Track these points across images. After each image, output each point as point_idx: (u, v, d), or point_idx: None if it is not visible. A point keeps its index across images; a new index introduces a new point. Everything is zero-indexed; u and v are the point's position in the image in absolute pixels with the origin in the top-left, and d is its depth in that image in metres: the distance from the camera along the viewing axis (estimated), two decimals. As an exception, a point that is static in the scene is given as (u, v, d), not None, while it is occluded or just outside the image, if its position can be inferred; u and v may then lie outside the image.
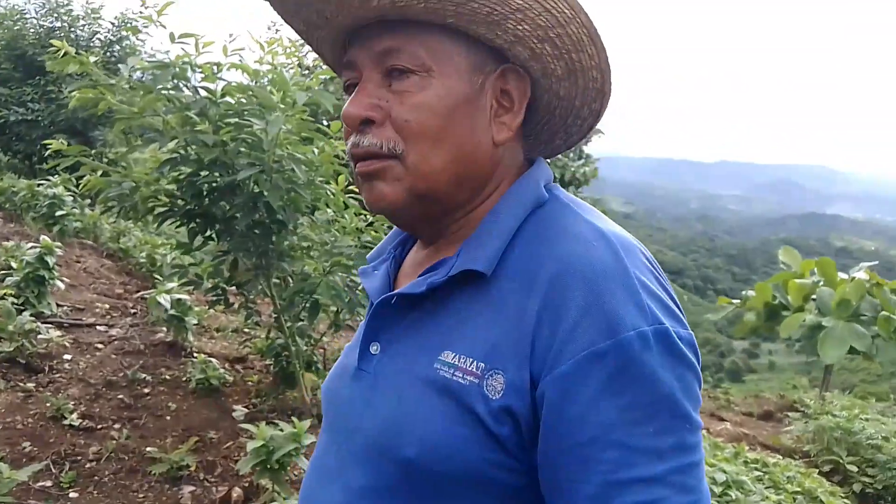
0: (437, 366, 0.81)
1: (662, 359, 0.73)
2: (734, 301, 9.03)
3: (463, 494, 0.78)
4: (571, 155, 12.87)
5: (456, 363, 0.80)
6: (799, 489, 4.02)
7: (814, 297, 7.76)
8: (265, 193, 3.16)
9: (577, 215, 0.86)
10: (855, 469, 4.93)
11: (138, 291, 6.38)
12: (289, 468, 2.99)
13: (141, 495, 3.06)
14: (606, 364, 0.71)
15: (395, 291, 0.89)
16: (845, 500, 4.17)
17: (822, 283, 7.96)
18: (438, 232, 0.93)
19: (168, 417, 3.81)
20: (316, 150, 3.47)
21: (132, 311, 5.67)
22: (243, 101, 3.27)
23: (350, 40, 0.88)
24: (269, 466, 2.91)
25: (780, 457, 4.84)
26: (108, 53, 11.78)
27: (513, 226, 0.86)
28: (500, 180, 0.91)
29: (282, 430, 2.98)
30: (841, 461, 5.12)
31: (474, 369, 0.78)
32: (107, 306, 5.54)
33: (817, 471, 4.61)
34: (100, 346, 4.61)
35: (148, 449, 3.38)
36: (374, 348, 0.90)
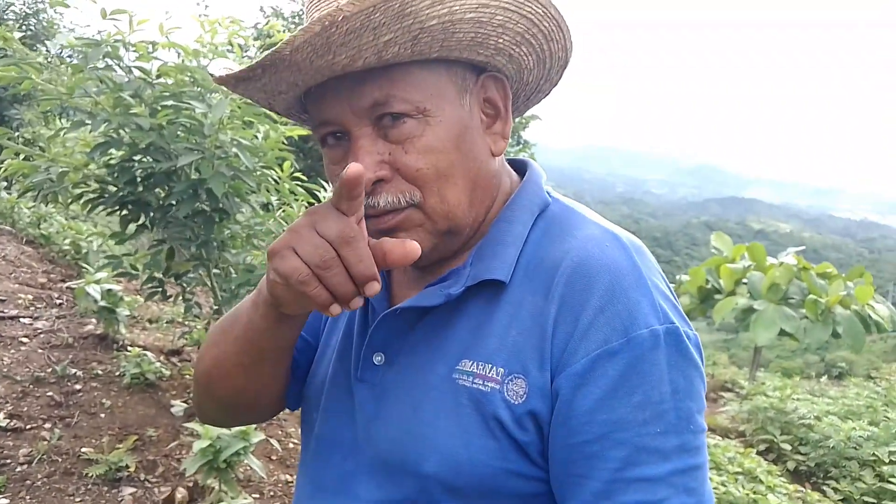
0: (455, 376, 0.80)
1: (672, 358, 0.74)
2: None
3: None
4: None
5: (475, 371, 0.79)
6: (739, 469, 4.14)
7: (745, 280, 8.04)
8: (207, 180, 3.01)
9: (584, 217, 0.87)
10: (788, 448, 5.11)
11: (63, 281, 6.07)
12: (237, 467, 2.87)
13: (78, 499, 2.89)
14: (618, 362, 0.72)
15: (408, 305, 0.85)
16: (781, 479, 4.31)
17: (752, 267, 8.23)
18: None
19: (102, 415, 3.62)
20: (259, 135, 3.32)
21: (58, 301, 5.37)
22: (183, 81, 3.09)
23: (316, 93, 0.82)
24: (216, 466, 2.79)
25: (719, 437, 4.98)
26: (24, 27, 11.13)
27: (524, 232, 0.85)
28: (500, 188, 0.91)
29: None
30: (775, 440, 5.31)
31: (494, 375, 0.78)
32: (30, 297, 5.23)
33: (754, 450, 4.75)
34: (25, 339, 4.34)
35: (83, 449, 3.21)
36: (379, 359, 0.88)
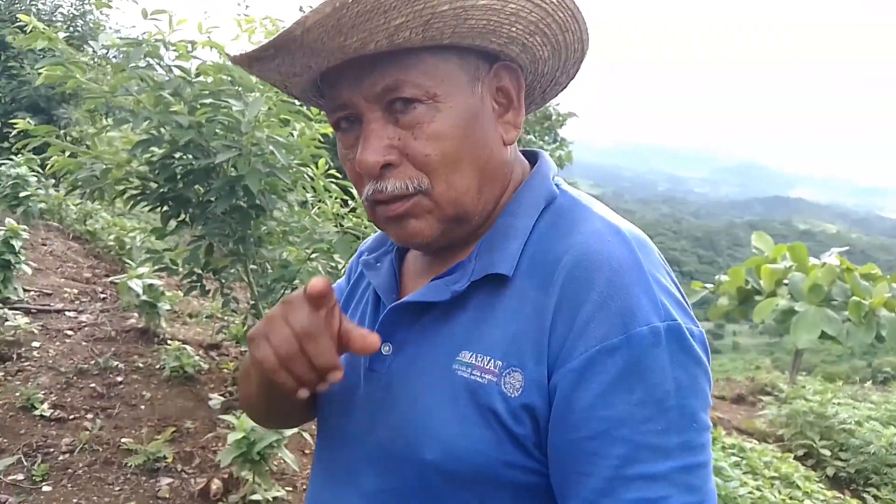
0: (455, 366, 0.80)
1: (673, 356, 0.73)
2: (707, 285, 9.11)
3: (480, 494, 0.78)
4: (546, 138, 12.85)
5: (474, 362, 0.79)
6: (776, 474, 4.06)
7: (786, 281, 7.85)
8: (243, 177, 3.07)
9: (590, 211, 0.86)
10: (828, 453, 4.99)
11: (107, 275, 6.22)
12: (270, 459, 2.92)
13: (117, 488, 2.97)
14: (618, 359, 0.72)
15: (415, 300, 0.86)
16: (819, 485, 4.22)
17: (793, 268, 8.06)
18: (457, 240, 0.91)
19: (142, 407, 3.71)
20: (295, 133, 3.37)
21: (102, 295, 5.52)
22: (222, 80, 3.15)
23: (331, 77, 0.83)
24: (250, 458, 2.84)
25: (756, 441, 4.90)
26: (72, 28, 11.43)
27: (528, 225, 0.85)
28: (510, 178, 0.91)
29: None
30: (814, 445, 5.18)
31: (492, 367, 0.78)
32: (75, 291, 5.38)
33: (792, 455, 4.66)
34: (69, 332, 4.47)
35: (123, 440, 3.29)
36: (387, 349, 0.88)
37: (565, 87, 0.98)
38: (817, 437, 5.27)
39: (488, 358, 0.79)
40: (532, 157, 0.97)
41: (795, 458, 4.88)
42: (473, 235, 0.89)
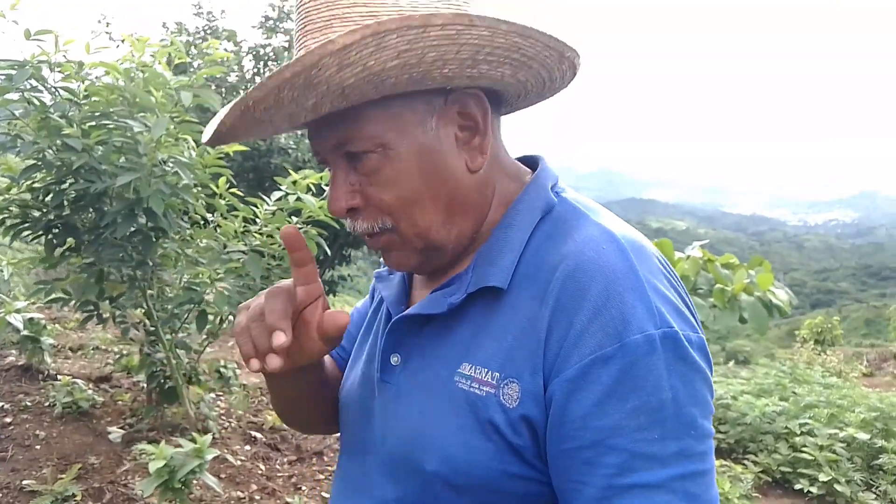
0: (456, 379, 0.82)
1: (669, 363, 0.72)
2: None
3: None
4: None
5: (473, 374, 0.81)
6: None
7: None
8: (146, 199, 2.98)
9: (587, 217, 0.85)
10: (710, 428, 5.43)
11: (-28, 314, 5.75)
12: (193, 485, 2.86)
13: (26, 533, 2.81)
14: (612, 368, 0.72)
15: (415, 312, 0.89)
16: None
17: (662, 261, 8.62)
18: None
19: (38, 447, 3.50)
20: (193, 153, 3.31)
21: (-29, 335, 5.11)
22: (114, 100, 3.05)
23: (307, 126, 0.88)
24: (171, 486, 2.76)
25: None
26: None
27: (524, 237, 0.85)
28: (493, 196, 0.90)
29: (181, 446, 2.84)
30: (697, 422, 5.61)
31: (490, 379, 0.79)
32: (-60, 333, 4.96)
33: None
34: (-57, 376, 4.14)
35: (24, 482, 3.10)
36: (395, 359, 0.91)
37: (553, 93, 0.93)
38: (699, 414, 5.68)
39: (486, 370, 0.80)
40: (533, 164, 0.96)
41: (681, 436, 5.25)
42: (472, 247, 0.90)
